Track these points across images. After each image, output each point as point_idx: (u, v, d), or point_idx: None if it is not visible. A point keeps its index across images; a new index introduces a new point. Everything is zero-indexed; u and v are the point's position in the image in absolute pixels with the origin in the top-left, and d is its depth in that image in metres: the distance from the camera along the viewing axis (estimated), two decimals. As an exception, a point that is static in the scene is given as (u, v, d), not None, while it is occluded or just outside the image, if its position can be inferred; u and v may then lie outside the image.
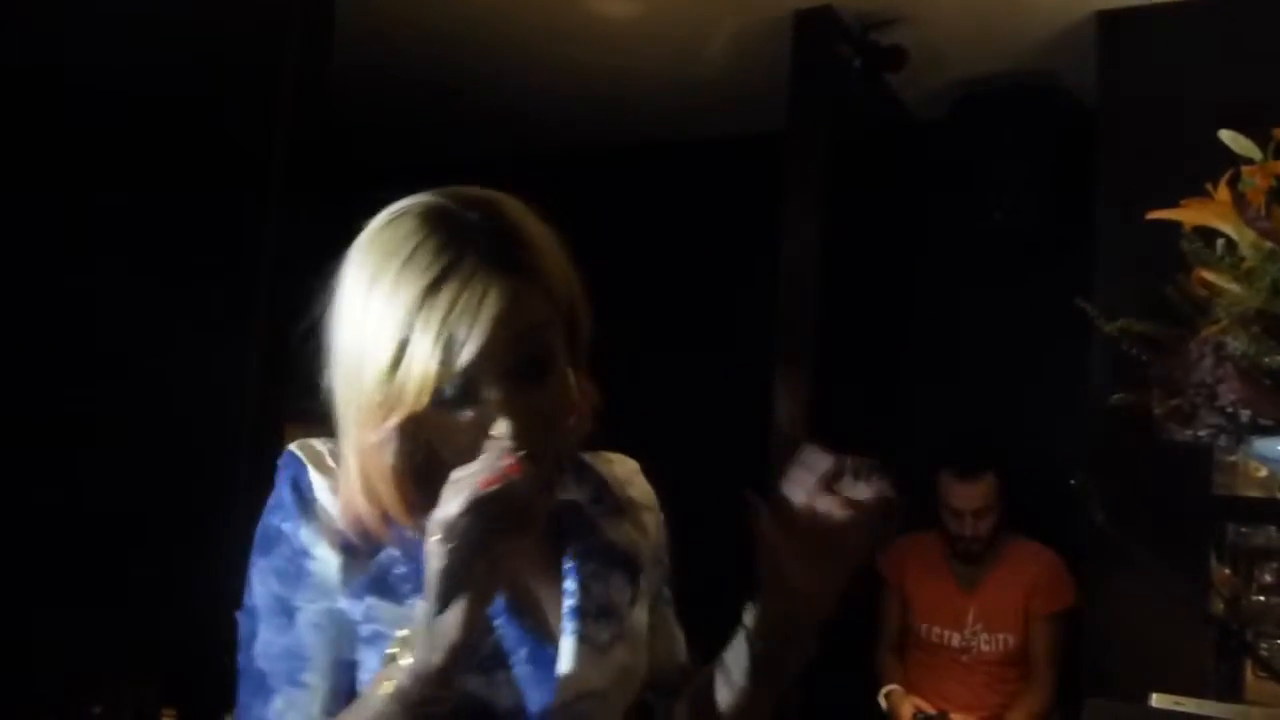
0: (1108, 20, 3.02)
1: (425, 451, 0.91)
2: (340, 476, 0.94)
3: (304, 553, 0.93)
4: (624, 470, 1.13)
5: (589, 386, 0.99)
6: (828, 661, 3.38)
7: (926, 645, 3.09)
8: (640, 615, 1.07)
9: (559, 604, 1.00)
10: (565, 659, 0.97)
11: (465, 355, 0.85)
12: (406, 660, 0.83)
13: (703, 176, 4.07)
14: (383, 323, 0.86)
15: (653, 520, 1.12)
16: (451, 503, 0.80)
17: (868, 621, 3.20)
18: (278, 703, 0.91)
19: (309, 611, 0.92)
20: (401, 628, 0.87)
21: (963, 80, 3.47)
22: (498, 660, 0.94)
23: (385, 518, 0.93)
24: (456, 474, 0.83)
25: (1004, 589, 3.02)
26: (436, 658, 0.82)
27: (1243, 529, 2.71)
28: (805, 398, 3.08)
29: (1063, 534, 3.01)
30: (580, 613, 0.99)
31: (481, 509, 0.79)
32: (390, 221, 0.92)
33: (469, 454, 0.85)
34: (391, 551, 0.94)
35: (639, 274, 3.98)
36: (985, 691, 3.00)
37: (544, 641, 0.98)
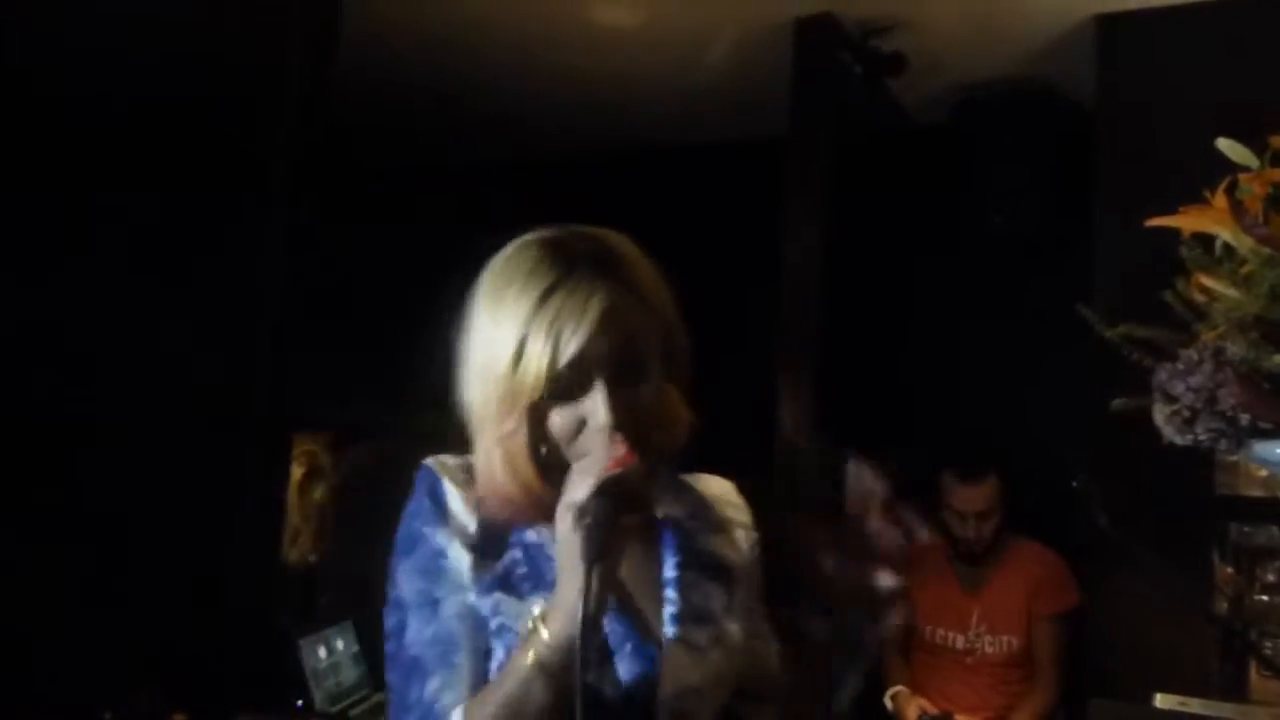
0: (1107, 24, 3.03)
1: (548, 445, 1.04)
2: (481, 470, 1.07)
3: (441, 553, 1.06)
4: (720, 489, 1.23)
5: (684, 405, 1.11)
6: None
7: (931, 647, 3.10)
8: (735, 624, 1.14)
9: (659, 609, 1.09)
10: (668, 658, 1.06)
11: (572, 348, 1.00)
12: (544, 632, 0.96)
13: (704, 182, 4.08)
14: (506, 328, 1.02)
15: (746, 537, 1.21)
16: (580, 487, 0.96)
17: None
18: (434, 683, 1.02)
19: (451, 603, 1.05)
20: (524, 621, 1.00)
21: (962, 85, 3.49)
22: (605, 655, 1.04)
23: (518, 509, 1.05)
24: (580, 464, 0.98)
25: (1007, 590, 3.04)
26: (572, 628, 0.93)
27: (1245, 528, 2.72)
28: (808, 401, 3.10)
29: (1065, 535, 3.02)
30: (680, 618, 1.09)
31: (607, 490, 0.94)
32: (514, 250, 1.09)
33: (579, 446, 1.02)
34: (514, 554, 1.07)
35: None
36: (989, 693, 3.01)
37: (646, 641, 1.07)
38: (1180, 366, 1.08)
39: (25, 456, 2.26)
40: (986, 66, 3.38)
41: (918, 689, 3.04)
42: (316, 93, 2.56)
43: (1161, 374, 1.09)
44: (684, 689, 1.05)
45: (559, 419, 1.02)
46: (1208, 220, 1.18)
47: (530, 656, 0.96)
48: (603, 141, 4.13)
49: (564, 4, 3.19)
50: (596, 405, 1.01)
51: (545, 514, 1.01)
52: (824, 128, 3.23)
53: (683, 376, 1.12)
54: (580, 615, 0.92)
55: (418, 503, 1.09)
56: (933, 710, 2.94)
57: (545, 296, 1.01)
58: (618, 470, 0.96)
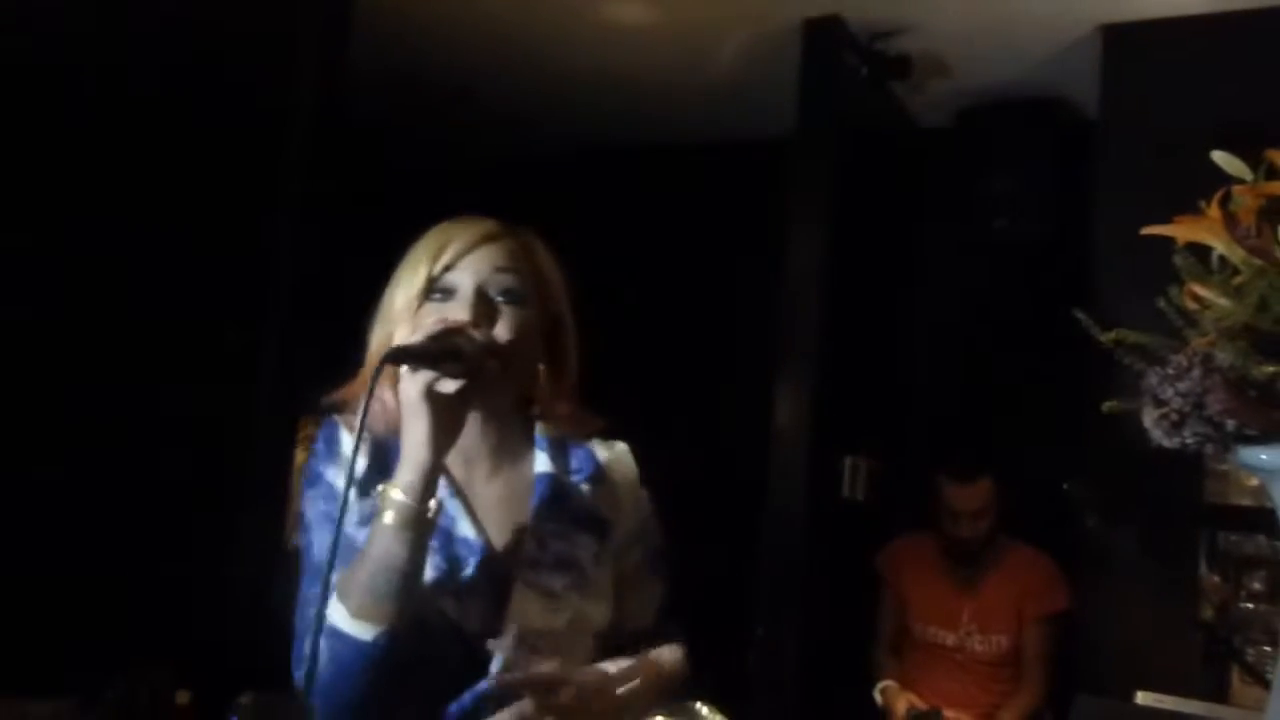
0: (1111, 34, 3.07)
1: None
2: (364, 380, 1.18)
3: (333, 486, 1.19)
4: (611, 453, 1.33)
5: (565, 395, 1.26)
6: (827, 658, 3.43)
7: (922, 644, 3.14)
8: (603, 572, 1.25)
9: (517, 551, 1.20)
10: (516, 600, 1.16)
11: (450, 253, 1.18)
12: (394, 491, 1.07)
13: (710, 180, 4.11)
14: (406, 261, 1.21)
15: (630, 496, 1.32)
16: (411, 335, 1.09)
17: (866, 620, 3.26)
18: (335, 577, 1.10)
19: (350, 525, 1.14)
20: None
21: (967, 90, 3.52)
22: (459, 586, 1.15)
23: (393, 414, 1.16)
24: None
25: (999, 592, 3.07)
26: (418, 477, 1.07)
27: (1234, 537, 2.76)
28: (807, 398, 3.14)
29: (1056, 538, 3.06)
30: (537, 563, 1.19)
31: (434, 339, 1.06)
32: None
33: None
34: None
35: (644, 274, 4.03)
36: (978, 690, 3.05)
37: (493, 560, 1.18)
38: (1170, 372, 1.11)
39: (31, 436, 2.29)
40: (991, 72, 3.41)
41: (908, 684, 3.08)
42: (331, 91, 2.60)
43: (1151, 378, 1.12)
44: (531, 629, 1.14)
45: (431, 318, 1.14)
46: (1201, 230, 1.21)
47: (387, 516, 1.07)
48: (611, 139, 4.17)
49: (574, 3, 3.22)
50: (462, 294, 1.17)
51: None
52: (829, 129, 3.26)
53: (564, 372, 1.26)
54: (424, 461, 1.06)
55: (317, 444, 1.23)
56: (922, 705, 2.98)
57: (444, 228, 1.22)
58: (443, 327, 1.09)
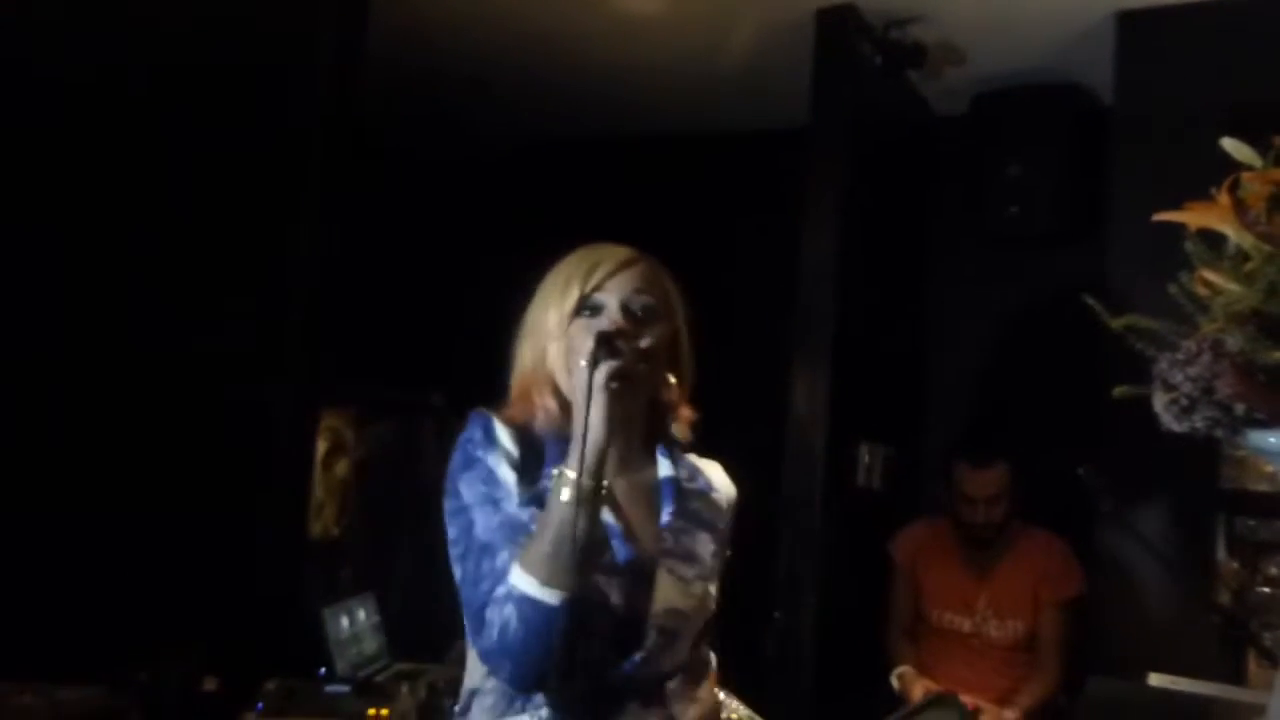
0: (1127, 19, 3.05)
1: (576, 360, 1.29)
2: (521, 391, 1.37)
3: (493, 471, 1.31)
4: (711, 466, 1.50)
5: (684, 400, 1.42)
6: (844, 644, 3.44)
7: (938, 630, 3.16)
8: (716, 566, 1.42)
9: (656, 545, 1.35)
10: (659, 581, 1.31)
11: (599, 274, 1.34)
12: (570, 471, 1.19)
13: (725, 169, 4.13)
14: (557, 279, 1.38)
15: (727, 505, 1.48)
16: (586, 342, 1.24)
17: (882, 606, 3.28)
18: (503, 555, 1.23)
19: (509, 503, 1.29)
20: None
21: (981, 77, 3.52)
22: (611, 567, 1.28)
23: (550, 416, 1.34)
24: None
25: (1014, 576, 3.08)
26: (594, 457, 1.19)
27: (1250, 521, 2.76)
28: (823, 387, 3.15)
29: (1072, 524, 3.07)
30: (671, 553, 1.35)
31: (606, 335, 1.23)
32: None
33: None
34: (546, 480, 1.27)
35: (660, 261, 4.04)
36: (994, 675, 3.07)
37: (641, 559, 1.32)
38: (1180, 357, 1.13)
39: (63, 427, 2.32)
40: (1006, 59, 3.40)
41: (924, 670, 3.09)
42: (349, 82, 2.63)
43: (1162, 363, 1.14)
44: (671, 608, 1.30)
45: (583, 335, 1.29)
46: (1212, 216, 1.22)
47: (563, 492, 1.19)
48: (625, 130, 4.18)
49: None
50: (609, 311, 1.32)
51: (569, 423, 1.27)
52: (843, 117, 3.26)
53: (684, 381, 1.41)
54: (596, 442, 1.19)
55: (471, 433, 1.34)
56: (938, 690, 2.99)
57: (587, 253, 1.38)
58: (612, 328, 1.27)
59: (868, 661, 3.20)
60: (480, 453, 1.32)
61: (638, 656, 1.27)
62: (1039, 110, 3.48)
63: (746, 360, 3.87)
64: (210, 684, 2.23)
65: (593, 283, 1.34)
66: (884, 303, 3.58)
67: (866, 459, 3.38)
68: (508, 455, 1.32)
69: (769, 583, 3.12)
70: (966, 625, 3.11)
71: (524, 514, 1.27)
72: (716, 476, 1.50)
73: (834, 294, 3.17)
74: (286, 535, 2.50)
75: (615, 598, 1.27)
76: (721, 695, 1.46)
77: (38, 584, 2.18)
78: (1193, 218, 1.26)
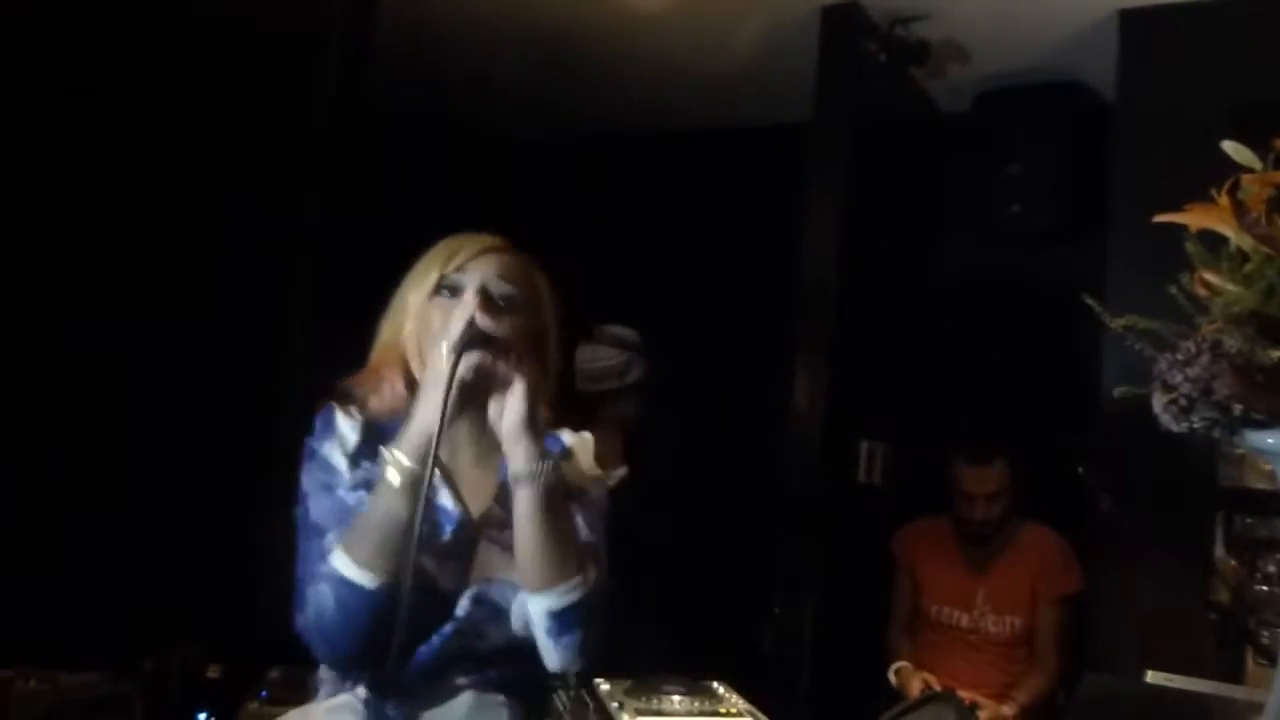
0: (1129, 18, 3.06)
1: (428, 341, 1.31)
2: (373, 371, 1.38)
3: (328, 459, 1.34)
4: (579, 440, 1.47)
5: (547, 400, 1.38)
6: (843, 639, 3.45)
7: (936, 625, 3.17)
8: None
9: (484, 510, 1.36)
10: (481, 552, 1.33)
11: (459, 258, 1.34)
12: (400, 454, 1.21)
13: (729, 165, 4.13)
14: (418, 265, 1.37)
15: (589, 472, 1.44)
16: (453, 326, 1.23)
17: (881, 602, 3.29)
18: (330, 537, 1.26)
19: (341, 488, 1.32)
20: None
21: (985, 75, 3.52)
22: (435, 532, 1.30)
23: (399, 397, 1.35)
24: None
25: (1012, 573, 3.10)
26: (422, 441, 1.20)
27: (1248, 519, 2.77)
28: (824, 383, 3.16)
29: (1071, 521, 3.08)
30: (501, 524, 1.33)
31: (471, 325, 1.22)
32: None
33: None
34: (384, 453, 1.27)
35: (662, 259, 4.05)
36: (991, 671, 3.08)
37: (468, 526, 1.33)
38: (1179, 357, 1.14)
39: (67, 418, 2.34)
40: (1009, 58, 3.41)
41: (922, 665, 3.10)
42: (355, 76, 2.63)
43: (1161, 364, 1.15)
44: (492, 579, 1.31)
45: (438, 314, 1.31)
46: (1212, 218, 1.23)
47: (391, 476, 1.21)
48: (629, 125, 4.18)
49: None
50: (466, 293, 1.29)
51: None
52: (847, 114, 3.27)
53: (546, 381, 1.38)
54: (428, 427, 1.19)
55: (316, 427, 1.37)
56: (936, 686, 3.01)
57: (455, 238, 1.38)
58: (477, 316, 1.24)
59: (866, 657, 3.21)
60: (317, 444, 1.35)
61: (448, 629, 1.28)
62: (1041, 109, 3.48)
63: (747, 355, 3.89)
64: (214, 672, 2.25)
65: (454, 264, 1.34)
66: (885, 299, 3.59)
67: (866, 455, 3.40)
68: (342, 443, 1.34)
69: (769, 579, 3.14)
70: (965, 620, 3.13)
71: (351, 497, 1.30)
72: (579, 447, 1.46)
73: (835, 290, 3.18)
74: (290, 524, 2.51)
75: (439, 577, 1.29)
76: (720, 689, 1.47)
77: (44, 573, 2.19)
78: (1192, 219, 1.27)
